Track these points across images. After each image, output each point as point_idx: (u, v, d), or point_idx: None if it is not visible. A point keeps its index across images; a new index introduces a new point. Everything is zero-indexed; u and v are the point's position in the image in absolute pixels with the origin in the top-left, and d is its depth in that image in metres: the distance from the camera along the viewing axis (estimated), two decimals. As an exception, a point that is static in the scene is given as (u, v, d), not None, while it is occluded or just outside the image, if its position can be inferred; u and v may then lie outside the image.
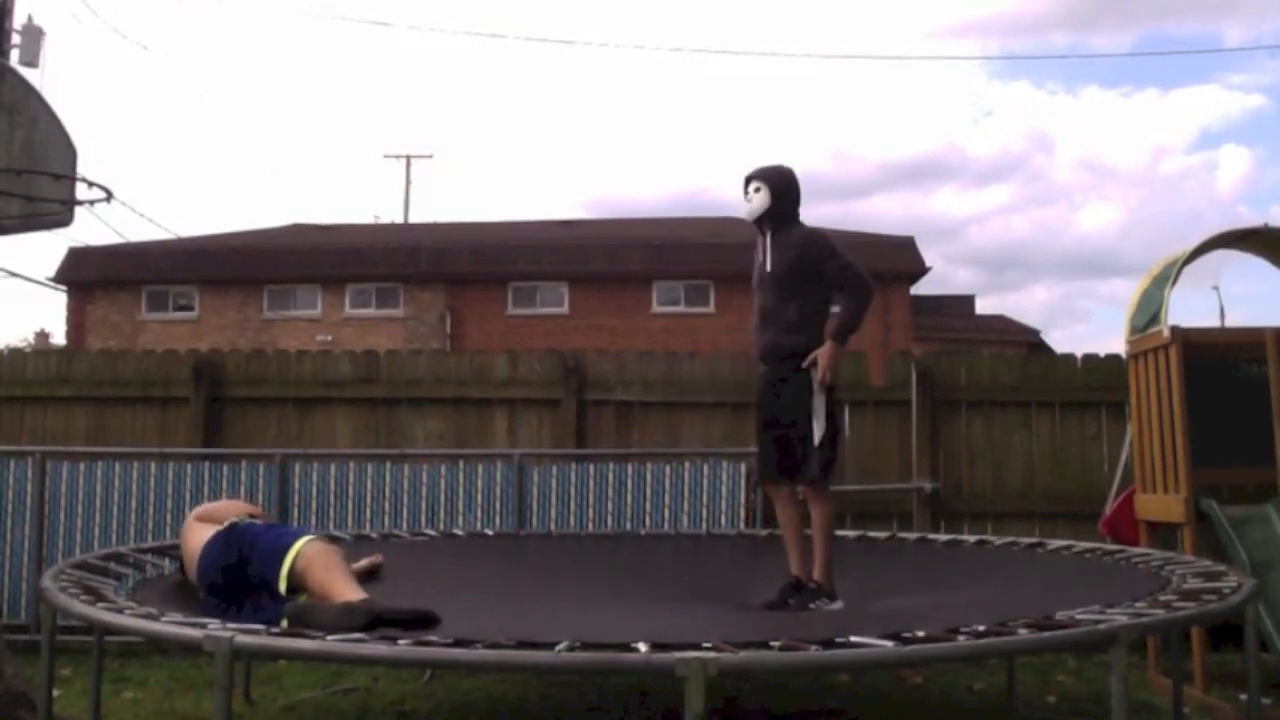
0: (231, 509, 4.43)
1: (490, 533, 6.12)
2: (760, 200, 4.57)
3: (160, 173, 60.97)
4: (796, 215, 4.64)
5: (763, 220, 4.60)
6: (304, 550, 3.76)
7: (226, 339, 22.00)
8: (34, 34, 11.78)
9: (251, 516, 4.31)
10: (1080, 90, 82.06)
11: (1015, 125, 73.59)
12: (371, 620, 3.20)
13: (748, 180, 4.63)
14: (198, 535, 4.16)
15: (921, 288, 25.76)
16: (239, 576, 3.88)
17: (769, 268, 4.56)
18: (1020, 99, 79.17)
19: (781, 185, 4.60)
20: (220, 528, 4.10)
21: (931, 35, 70.81)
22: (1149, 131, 76.80)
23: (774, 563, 4.98)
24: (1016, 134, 71.50)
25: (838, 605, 4.36)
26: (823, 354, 4.43)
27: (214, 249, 25.25)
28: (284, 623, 3.51)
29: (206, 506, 4.62)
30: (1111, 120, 76.22)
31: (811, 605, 4.35)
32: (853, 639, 2.90)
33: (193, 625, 3.11)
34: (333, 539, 4.69)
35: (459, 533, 6.07)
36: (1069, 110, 75.46)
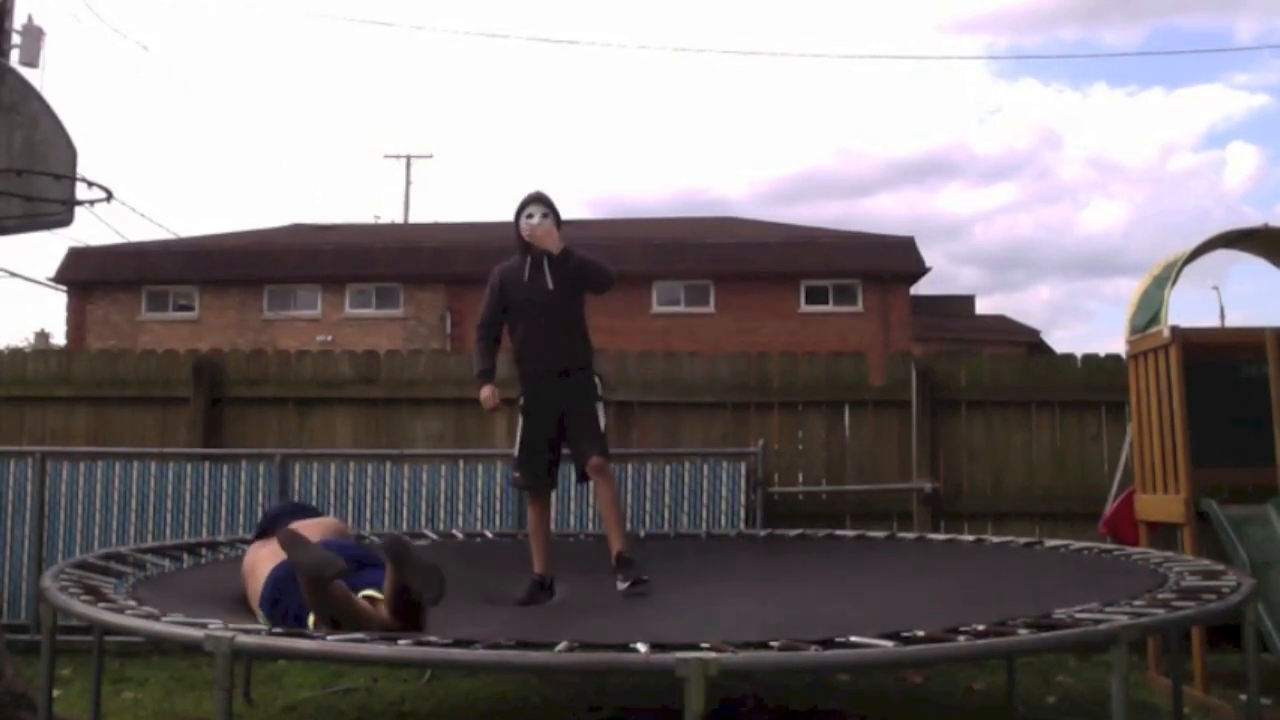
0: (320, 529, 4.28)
1: (490, 534, 6.12)
2: (550, 222, 4.88)
3: (160, 173, 61.05)
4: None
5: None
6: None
7: (226, 339, 21.97)
8: (34, 34, 11.77)
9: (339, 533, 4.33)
10: (1086, 88, 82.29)
11: (1021, 123, 73.70)
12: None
13: (529, 203, 4.89)
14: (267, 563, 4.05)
15: (923, 287, 25.77)
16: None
17: (551, 285, 4.91)
18: (1026, 96, 79.36)
19: (554, 206, 4.93)
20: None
21: (938, 29, 70.88)
22: (1155, 129, 76.95)
23: (774, 563, 4.99)
24: (1022, 132, 71.61)
25: (644, 576, 4.60)
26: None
27: (214, 249, 25.23)
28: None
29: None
30: (1118, 118, 76.33)
31: (622, 582, 4.53)
32: (853, 639, 2.90)
33: (193, 625, 3.11)
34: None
35: (458, 534, 6.07)
36: (1075, 108, 75.58)
